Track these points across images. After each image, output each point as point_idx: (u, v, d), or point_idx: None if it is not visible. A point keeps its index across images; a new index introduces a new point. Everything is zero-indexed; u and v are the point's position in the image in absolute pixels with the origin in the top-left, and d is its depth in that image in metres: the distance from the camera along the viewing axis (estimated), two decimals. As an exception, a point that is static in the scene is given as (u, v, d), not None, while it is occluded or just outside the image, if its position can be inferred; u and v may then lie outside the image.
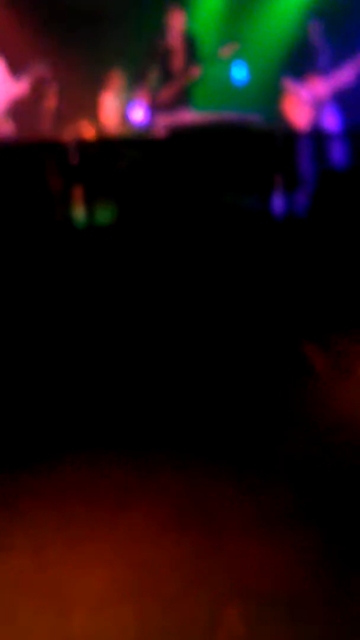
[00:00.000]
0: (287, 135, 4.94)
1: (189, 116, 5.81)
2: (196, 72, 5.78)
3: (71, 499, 2.12)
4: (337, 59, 5.82)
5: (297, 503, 2.07)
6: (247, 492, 2.14)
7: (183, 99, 5.89)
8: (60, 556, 1.85)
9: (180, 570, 1.78)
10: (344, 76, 5.74)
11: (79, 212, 4.45)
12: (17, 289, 3.90)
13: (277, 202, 4.46)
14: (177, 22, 5.87)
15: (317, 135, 5.46)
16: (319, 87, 5.85)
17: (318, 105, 5.88)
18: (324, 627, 1.59)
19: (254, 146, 4.96)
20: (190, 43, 5.92)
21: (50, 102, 6.24)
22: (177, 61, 5.88)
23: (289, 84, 5.93)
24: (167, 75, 5.86)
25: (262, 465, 2.30)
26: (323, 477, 2.22)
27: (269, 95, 6.24)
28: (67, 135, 5.92)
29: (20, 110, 6.01)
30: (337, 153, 5.18)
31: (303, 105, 5.90)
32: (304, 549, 1.85)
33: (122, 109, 6.44)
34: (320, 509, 2.03)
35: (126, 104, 6.36)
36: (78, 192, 4.53)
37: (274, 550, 1.84)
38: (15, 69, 5.90)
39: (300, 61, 5.95)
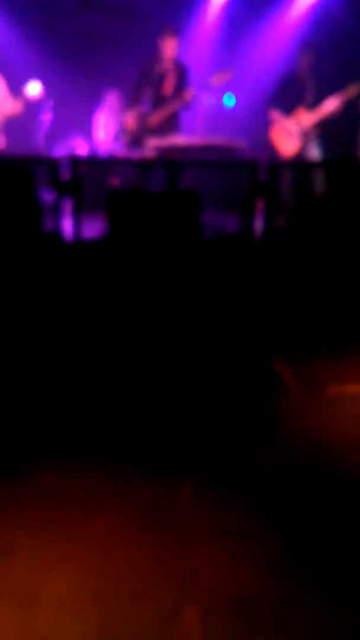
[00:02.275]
0: (271, 162, 5.13)
1: (179, 139, 5.99)
2: (186, 97, 5.94)
3: (42, 502, 2.19)
4: (322, 92, 6.05)
5: (260, 515, 2.12)
6: (213, 502, 2.20)
7: (173, 122, 6.04)
8: (29, 557, 1.91)
9: (142, 573, 1.85)
10: (327, 109, 5.97)
11: (68, 226, 4.59)
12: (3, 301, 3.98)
13: (258, 226, 4.63)
14: (169, 48, 5.99)
15: (299, 163, 5.66)
16: (305, 118, 6.08)
17: (303, 136, 6.11)
18: (277, 631, 1.66)
19: (239, 170, 5.15)
20: (182, 69, 6.07)
21: (46, 118, 6.41)
22: (168, 86, 6.03)
23: (276, 115, 6.15)
24: (158, 99, 6.00)
25: (229, 477, 2.36)
26: (286, 491, 2.28)
27: (256, 123, 6.46)
28: (60, 150, 6.08)
29: (15, 125, 6.16)
30: (318, 182, 5.39)
31: (289, 135, 6.12)
32: (263, 558, 1.91)
33: (116, 129, 6.61)
34: (281, 522, 2.09)
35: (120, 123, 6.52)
36: (68, 206, 4.67)
37: (235, 557, 1.91)
38: (15, 86, 6.10)
39: (287, 92, 6.16)
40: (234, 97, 7.11)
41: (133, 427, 2.75)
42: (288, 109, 6.12)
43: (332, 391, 3.13)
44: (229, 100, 7.07)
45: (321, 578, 1.85)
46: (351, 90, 5.86)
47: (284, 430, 2.77)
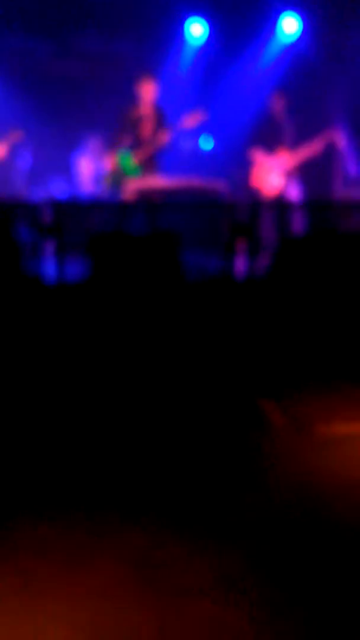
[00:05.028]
0: (251, 203, 5.19)
1: (158, 181, 6.05)
2: (163, 139, 6.03)
3: (27, 555, 2.10)
4: (301, 133, 6.15)
5: (252, 565, 2.07)
6: (203, 553, 2.13)
7: (152, 164, 6.12)
8: (15, 616, 1.82)
9: (135, 632, 1.77)
10: (310, 150, 6.07)
11: (49, 268, 4.59)
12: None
13: (239, 265, 4.66)
14: (147, 92, 6.10)
15: (279, 204, 5.74)
16: (286, 159, 6.17)
17: (284, 176, 6.19)
18: None
19: (219, 211, 5.21)
20: (160, 112, 6.17)
21: (25, 162, 6.48)
22: (147, 128, 6.12)
23: (257, 155, 6.23)
24: (137, 142, 6.08)
25: (219, 527, 2.30)
26: (277, 539, 2.22)
27: (235, 163, 6.55)
28: (40, 194, 6.12)
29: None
30: (298, 222, 5.46)
31: (270, 175, 6.20)
32: (257, 610, 1.86)
33: (97, 172, 6.66)
34: (272, 572, 2.04)
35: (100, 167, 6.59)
36: (49, 249, 4.67)
37: (229, 610, 1.86)
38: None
39: (266, 133, 6.26)
40: (211, 139, 7.22)
41: (117, 475, 2.69)
42: (268, 149, 6.21)
43: (321, 432, 3.09)
44: (206, 143, 7.18)
45: (317, 625, 1.81)
46: (326, 136, 6.00)
47: (273, 474, 2.70)
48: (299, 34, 7.55)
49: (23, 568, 2.05)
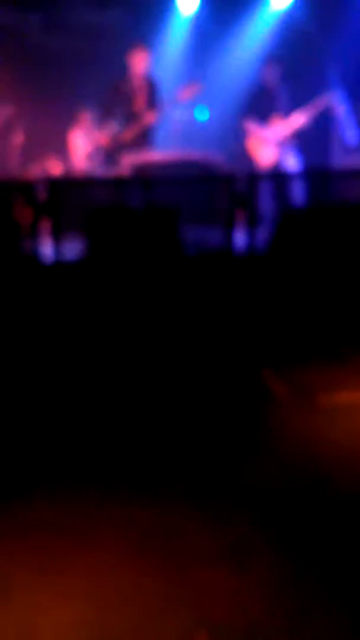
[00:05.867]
0: (249, 174, 5.12)
1: (154, 155, 5.96)
2: (157, 113, 5.94)
3: (35, 534, 2.12)
4: (296, 101, 6.06)
5: (261, 533, 2.10)
6: (212, 522, 2.16)
7: (146, 138, 6.03)
8: (27, 593, 1.83)
9: (146, 602, 1.79)
10: (303, 117, 5.99)
11: (46, 248, 4.53)
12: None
13: (239, 238, 4.61)
14: (139, 63, 6.01)
15: (277, 174, 5.67)
16: (280, 128, 6.07)
17: (280, 146, 6.11)
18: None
19: (216, 184, 5.14)
20: (152, 85, 6.07)
21: (18, 139, 6.38)
22: (139, 101, 6.02)
23: (251, 125, 6.15)
24: (130, 116, 5.98)
25: (226, 496, 2.34)
26: (286, 507, 2.26)
27: (230, 135, 6.46)
28: (35, 171, 6.04)
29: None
30: (297, 192, 5.40)
31: (266, 145, 6.11)
32: (268, 579, 1.88)
33: (91, 148, 6.57)
34: (283, 539, 2.07)
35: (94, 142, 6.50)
36: (46, 228, 4.61)
37: (239, 578, 1.87)
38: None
39: (260, 103, 6.17)
40: (207, 110, 7.12)
41: (124, 450, 2.70)
42: (262, 119, 6.12)
43: (324, 401, 3.12)
44: (202, 114, 7.09)
45: (327, 590, 1.83)
46: (320, 102, 5.92)
47: (277, 443, 2.74)
48: (292, 1, 7.38)
49: (33, 543, 2.08)
